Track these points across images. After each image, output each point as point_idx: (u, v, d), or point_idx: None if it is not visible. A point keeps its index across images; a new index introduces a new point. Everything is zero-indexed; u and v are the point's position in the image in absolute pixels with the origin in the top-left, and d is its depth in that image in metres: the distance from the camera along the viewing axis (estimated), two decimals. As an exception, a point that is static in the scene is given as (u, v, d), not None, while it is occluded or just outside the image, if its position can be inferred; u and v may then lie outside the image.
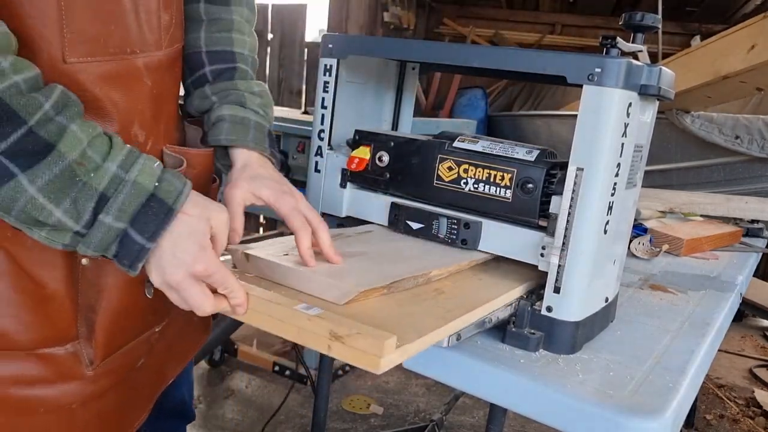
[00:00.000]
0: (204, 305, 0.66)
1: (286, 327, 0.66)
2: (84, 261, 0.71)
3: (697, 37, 4.43)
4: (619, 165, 0.81)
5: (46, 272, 0.69)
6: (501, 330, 0.84)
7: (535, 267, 0.85)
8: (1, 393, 0.70)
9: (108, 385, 0.78)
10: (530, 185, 0.86)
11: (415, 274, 0.79)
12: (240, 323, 2.05)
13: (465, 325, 0.75)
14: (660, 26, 0.88)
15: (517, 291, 0.86)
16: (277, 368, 2.54)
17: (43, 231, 0.61)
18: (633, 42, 0.88)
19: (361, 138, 1.03)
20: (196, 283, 0.65)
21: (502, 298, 0.83)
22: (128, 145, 0.64)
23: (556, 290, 0.82)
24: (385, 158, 0.99)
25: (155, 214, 0.62)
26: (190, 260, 0.64)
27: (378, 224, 1.02)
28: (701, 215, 1.86)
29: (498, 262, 0.95)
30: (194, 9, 0.91)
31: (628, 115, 0.79)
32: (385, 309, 0.71)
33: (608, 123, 0.77)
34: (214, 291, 0.67)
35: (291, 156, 2.76)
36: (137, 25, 0.71)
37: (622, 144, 0.80)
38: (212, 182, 0.90)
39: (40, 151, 0.58)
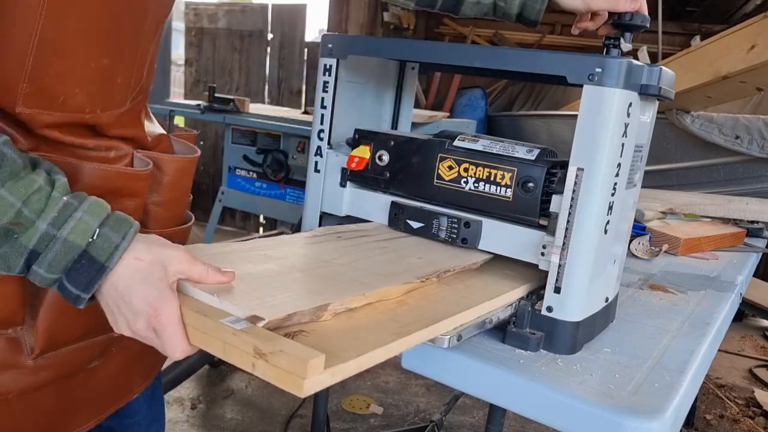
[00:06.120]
0: (174, 351, 0.64)
1: (210, 340, 0.60)
2: None
3: (697, 37, 4.42)
4: (619, 165, 0.80)
5: None
6: (501, 330, 0.84)
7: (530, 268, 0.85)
8: None
9: (49, 379, 0.76)
10: (531, 184, 0.86)
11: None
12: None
13: (419, 341, 0.68)
14: (648, 26, 0.91)
15: (474, 311, 0.78)
16: (276, 368, 2.53)
17: None
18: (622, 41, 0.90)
19: (360, 137, 1.02)
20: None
21: (467, 313, 0.76)
22: (66, 198, 0.63)
23: (557, 290, 0.82)
24: (385, 157, 0.99)
25: (87, 270, 0.63)
26: (147, 308, 0.63)
27: (378, 222, 1.02)
28: (702, 216, 1.86)
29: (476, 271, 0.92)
30: None
31: (628, 115, 0.79)
32: (336, 324, 0.66)
33: (608, 123, 0.77)
34: None
35: (291, 156, 2.75)
36: (104, 89, 0.73)
37: (623, 144, 0.80)
38: (187, 221, 0.90)
39: None
